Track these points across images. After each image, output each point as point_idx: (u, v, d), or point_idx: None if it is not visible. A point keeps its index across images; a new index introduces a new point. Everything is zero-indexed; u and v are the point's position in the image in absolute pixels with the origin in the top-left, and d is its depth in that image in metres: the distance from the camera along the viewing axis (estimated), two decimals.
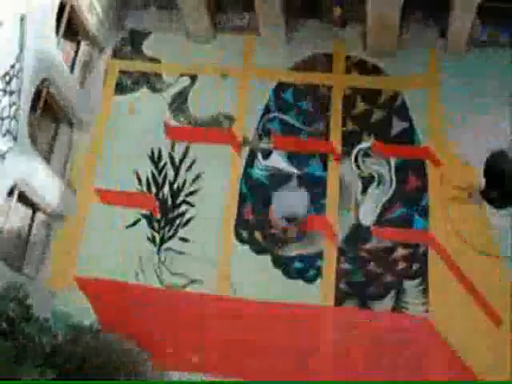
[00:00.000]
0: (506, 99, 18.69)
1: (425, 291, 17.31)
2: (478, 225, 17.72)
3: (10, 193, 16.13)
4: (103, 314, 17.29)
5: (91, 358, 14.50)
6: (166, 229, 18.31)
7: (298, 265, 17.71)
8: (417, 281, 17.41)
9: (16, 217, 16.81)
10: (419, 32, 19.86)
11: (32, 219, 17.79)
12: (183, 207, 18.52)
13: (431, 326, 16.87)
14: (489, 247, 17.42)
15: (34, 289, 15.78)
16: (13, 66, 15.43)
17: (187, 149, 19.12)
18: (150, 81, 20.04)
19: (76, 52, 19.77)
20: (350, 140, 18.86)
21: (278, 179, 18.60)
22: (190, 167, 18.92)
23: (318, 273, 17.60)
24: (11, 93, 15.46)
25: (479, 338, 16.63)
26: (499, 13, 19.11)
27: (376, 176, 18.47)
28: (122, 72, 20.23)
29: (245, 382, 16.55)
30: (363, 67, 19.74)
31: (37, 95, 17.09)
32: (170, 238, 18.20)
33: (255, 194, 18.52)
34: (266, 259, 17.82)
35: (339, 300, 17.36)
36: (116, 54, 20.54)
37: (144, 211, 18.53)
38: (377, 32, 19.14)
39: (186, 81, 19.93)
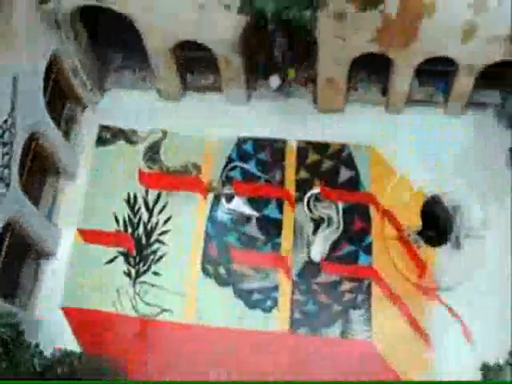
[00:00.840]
0: (439, 151, 20.10)
1: (369, 319, 18.53)
2: (415, 261, 18.94)
3: (3, 233, 17.06)
4: (85, 339, 18.50)
5: (76, 378, 15.70)
6: (141, 264, 19.50)
7: (256, 296, 18.99)
8: (362, 310, 18.66)
9: (10, 254, 17.63)
10: (364, 91, 21.24)
11: (23, 257, 18.90)
12: (156, 245, 19.75)
13: (374, 351, 18.15)
14: (425, 281, 18.74)
15: (24, 317, 17.25)
16: (5, 122, 16.50)
17: (159, 194, 20.34)
18: (127, 134, 21.17)
19: (62, 109, 20.80)
20: (302, 187, 20.19)
21: (240, 221, 19.90)
22: (161, 210, 20.15)
23: (275, 303, 18.88)
24: (4, 144, 16.49)
25: (416, 360, 17.97)
26: (434, 75, 20.40)
27: (326, 218, 19.76)
28: (103, 127, 21.36)
29: (244, 382, 17.71)
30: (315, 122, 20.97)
31: (27, 147, 18.01)
32: (144, 272, 19.40)
33: (219, 233, 19.78)
34: (229, 291, 19.10)
35: (293, 327, 18.61)
36: (97, 111, 21.68)
37: (121, 249, 19.72)
38: (326, 92, 20.48)
39: (158, 135, 21.14)
